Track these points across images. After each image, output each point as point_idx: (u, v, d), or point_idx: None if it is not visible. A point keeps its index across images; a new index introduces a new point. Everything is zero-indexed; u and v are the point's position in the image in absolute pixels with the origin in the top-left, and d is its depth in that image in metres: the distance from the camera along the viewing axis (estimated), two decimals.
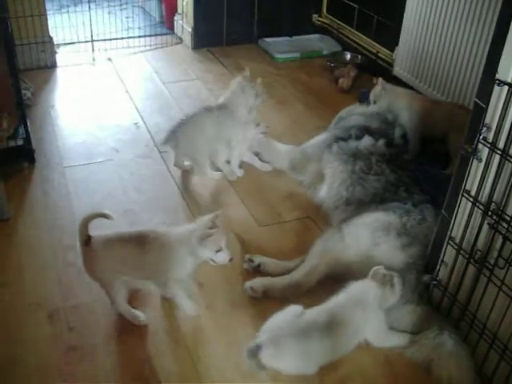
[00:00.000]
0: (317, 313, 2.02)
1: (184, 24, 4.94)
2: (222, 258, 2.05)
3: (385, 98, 3.23)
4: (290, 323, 1.98)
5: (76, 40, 4.75)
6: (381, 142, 2.89)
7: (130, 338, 2.12)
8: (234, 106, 3.05)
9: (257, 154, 3.26)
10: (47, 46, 4.25)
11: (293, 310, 2.03)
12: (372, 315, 2.04)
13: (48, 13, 4.25)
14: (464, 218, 1.98)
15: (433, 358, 2.01)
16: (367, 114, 3.20)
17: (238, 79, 3.11)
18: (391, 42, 4.12)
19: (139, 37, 5.00)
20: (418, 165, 2.92)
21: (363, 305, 2.03)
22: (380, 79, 3.27)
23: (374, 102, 3.25)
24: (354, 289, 2.08)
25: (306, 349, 1.93)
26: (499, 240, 1.83)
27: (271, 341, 1.92)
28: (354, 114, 3.28)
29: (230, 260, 2.07)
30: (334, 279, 2.25)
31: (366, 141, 2.89)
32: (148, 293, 2.32)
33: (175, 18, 5.08)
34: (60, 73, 4.31)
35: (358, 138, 2.93)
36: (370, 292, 2.05)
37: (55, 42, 4.39)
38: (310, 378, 1.97)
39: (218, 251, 2.03)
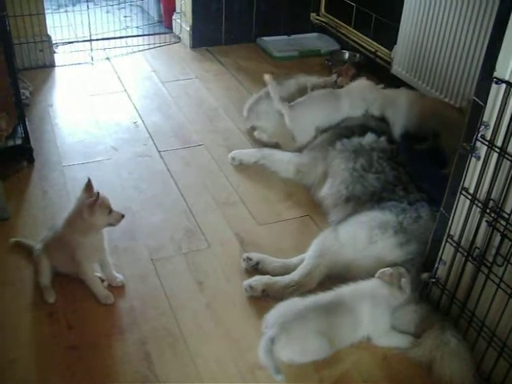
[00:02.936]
0: (321, 295, 2.08)
1: (182, 23, 4.94)
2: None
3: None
4: (292, 307, 2.02)
5: (74, 39, 4.75)
6: (383, 138, 2.89)
7: (130, 337, 2.12)
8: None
9: (256, 161, 3.23)
10: (45, 45, 4.24)
11: (292, 300, 2.08)
12: (378, 312, 2.06)
13: (46, 12, 4.24)
14: (462, 215, 1.98)
15: (435, 356, 2.00)
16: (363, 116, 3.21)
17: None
18: (389, 40, 4.12)
19: (137, 36, 5.01)
20: (417, 163, 2.93)
21: (371, 300, 2.05)
22: None
23: None
24: (364, 283, 2.11)
25: (310, 325, 1.96)
26: (497, 237, 1.83)
27: (279, 330, 1.93)
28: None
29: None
30: (334, 281, 2.24)
31: (369, 137, 2.89)
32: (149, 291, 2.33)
33: (174, 17, 5.08)
34: (58, 72, 4.31)
35: (361, 134, 2.93)
36: (380, 289, 2.07)
37: (53, 42, 4.39)
38: (309, 375, 1.98)
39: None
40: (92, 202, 2.11)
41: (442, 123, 3.16)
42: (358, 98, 3.17)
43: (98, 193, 2.11)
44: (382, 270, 2.12)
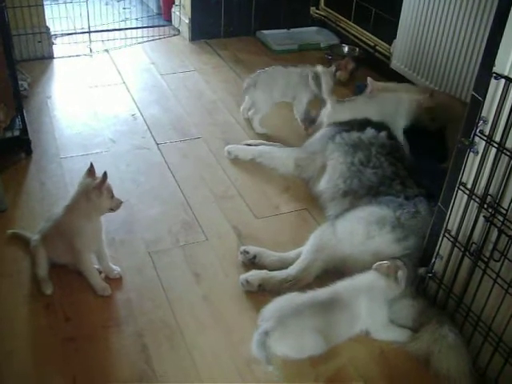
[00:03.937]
0: (318, 292, 2.07)
1: (182, 15, 4.92)
2: None
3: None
4: (289, 302, 2.02)
5: (73, 31, 4.73)
6: (383, 134, 2.89)
7: (126, 329, 2.13)
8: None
9: (253, 159, 3.20)
10: (44, 36, 4.23)
11: (290, 295, 2.08)
12: (376, 305, 2.06)
13: (45, 3, 4.24)
14: (460, 210, 1.99)
15: (433, 351, 2.01)
16: None
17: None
18: (389, 35, 4.11)
19: (136, 28, 4.99)
20: (416, 158, 2.93)
21: (368, 293, 2.05)
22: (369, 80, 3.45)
23: None
24: (361, 277, 2.11)
25: (306, 322, 1.96)
26: (495, 233, 1.83)
27: (275, 324, 1.93)
28: None
29: None
30: (331, 275, 2.25)
31: (369, 132, 2.89)
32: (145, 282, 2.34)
33: (173, 9, 5.07)
34: (57, 64, 4.29)
35: (361, 129, 2.92)
36: (377, 282, 2.07)
37: (52, 33, 4.37)
38: (305, 370, 1.98)
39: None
40: (100, 183, 2.14)
41: (449, 116, 3.16)
42: None
43: (105, 172, 2.13)
44: (379, 262, 2.12)
